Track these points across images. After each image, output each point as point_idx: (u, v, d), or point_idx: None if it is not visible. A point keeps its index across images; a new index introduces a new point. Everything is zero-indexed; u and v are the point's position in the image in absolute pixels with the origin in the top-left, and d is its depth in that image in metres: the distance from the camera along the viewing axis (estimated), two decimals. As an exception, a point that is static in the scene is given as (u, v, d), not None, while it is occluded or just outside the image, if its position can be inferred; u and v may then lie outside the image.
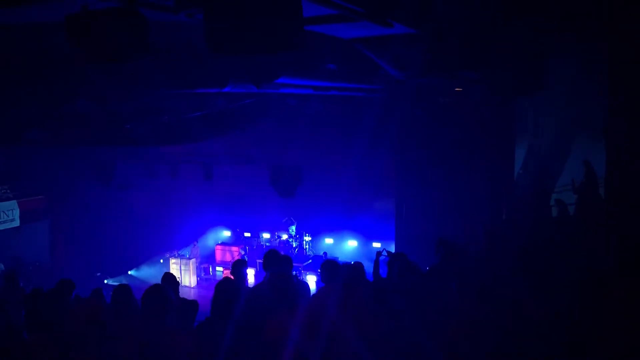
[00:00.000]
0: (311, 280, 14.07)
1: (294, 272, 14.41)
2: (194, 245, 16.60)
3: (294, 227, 16.19)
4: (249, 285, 6.89)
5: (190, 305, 6.14)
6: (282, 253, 13.05)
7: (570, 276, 5.09)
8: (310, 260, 15.56)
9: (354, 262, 5.51)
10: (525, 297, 4.64)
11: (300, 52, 3.54)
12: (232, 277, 6.12)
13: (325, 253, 15.66)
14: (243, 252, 16.70)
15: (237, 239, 17.54)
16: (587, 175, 10.25)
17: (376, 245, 15.32)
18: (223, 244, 17.52)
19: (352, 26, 5.30)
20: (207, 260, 17.26)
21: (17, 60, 6.78)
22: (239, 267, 6.10)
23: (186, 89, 8.45)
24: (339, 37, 6.29)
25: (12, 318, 6.15)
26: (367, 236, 15.61)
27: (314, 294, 5.98)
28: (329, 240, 16.37)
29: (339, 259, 15.14)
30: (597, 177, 10.19)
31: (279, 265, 5.70)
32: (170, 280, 6.34)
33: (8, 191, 15.17)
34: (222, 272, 16.00)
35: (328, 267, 5.52)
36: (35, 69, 6.96)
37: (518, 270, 5.29)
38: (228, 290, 4.56)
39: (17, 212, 15.29)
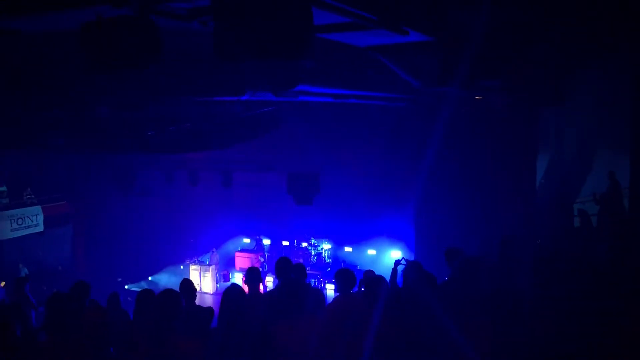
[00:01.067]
0: (330, 289, 14.01)
1: (312, 280, 14.47)
2: (213, 252, 16.67)
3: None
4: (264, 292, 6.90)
5: (206, 312, 6.16)
6: (301, 261, 13.03)
7: (593, 286, 4.99)
8: (329, 269, 15.51)
9: (375, 273, 5.46)
10: (538, 306, 4.57)
11: (317, 60, 3.53)
12: (245, 284, 6.12)
13: (343, 262, 15.59)
14: (262, 260, 16.71)
15: (257, 246, 17.57)
16: (611, 186, 10.09)
17: (395, 253, 15.22)
18: (243, 250, 17.57)
19: (367, 34, 5.30)
20: (227, 267, 17.31)
21: (39, 67, 6.92)
22: (252, 275, 6.10)
23: (204, 96, 8.53)
24: (355, 45, 6.29)
25: (28, 320, 6.26)
26: (385, 245, 15.50)
27: (329, 303, 5.95)
28: (348, 249, 16.30)
29: (357, 267, 15.12)
30: (621, 188, 10.04)
31: (292, 272, 5.69)
32: (187, 286, 6.36)
33: (33, 196, 15.45)
34: (242, 279, 16.03)
35: (343, 276, 5.49)
36: (57, 76, 7.09)
37: (533, 280, 5.21)
38: (233, 298, 4.57)
39: (41, 218, 15.55)
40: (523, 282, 5.30)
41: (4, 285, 10.46)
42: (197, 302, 6.46)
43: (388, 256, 15.35)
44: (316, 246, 16.18)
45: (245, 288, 6.26)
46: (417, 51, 6.51)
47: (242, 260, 17.20)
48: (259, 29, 3.27)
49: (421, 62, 6.96)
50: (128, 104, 8.28)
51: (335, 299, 5.63)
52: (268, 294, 5.88)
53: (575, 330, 4.16)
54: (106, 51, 3.60)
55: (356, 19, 4.54)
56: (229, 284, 16.29)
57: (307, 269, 9.59)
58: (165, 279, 16.99)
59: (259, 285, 6.13)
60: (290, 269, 5.82)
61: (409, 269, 5.97)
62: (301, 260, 14.69)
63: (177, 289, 6.08)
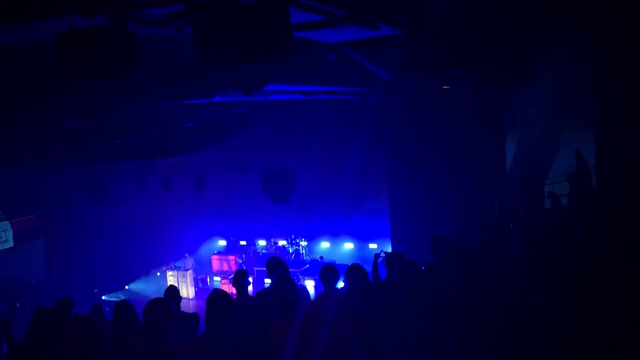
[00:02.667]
0: (309, 285, 14.05)
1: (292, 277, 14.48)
2: (186, 256, 16.54)
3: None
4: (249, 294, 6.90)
5: (192, 317, 6.14)
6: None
7: (567, 268, 5.12)
8: (308, 265, 15.55)
9: (354, 264, 5.51)
10: (526, 290, 4.67)
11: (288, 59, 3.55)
12: (233, 287, 6.12)
13: (321, 257, 15.65)
14: (240, 261, 16.65)
15: (232, 248, 17.49)
16: (579, 166, 10.32)
17: (372, 246, 15.34)
18: (219, 253, 17.46)
19: (337, 30, 5.32)
20: (204, 270, 17.19)
21: (4, 79, 6.75)
22: (241, 277, 6.10)
23: (175, 100, 8.45)
24: (325, 41, 6.31)
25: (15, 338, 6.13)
26: (363, 238, 15.62)
27: (314, 299, 5.99)
28: (325, 244, 16.36)
29: (336, 262, 15.19)
30: (588, 167, 10.27)
31: (281, 271, 5.72)
32: (172, 293, 6.34)
33: (0, 212, 15.08)
34: (220, 281, 15.94)
35: (327, 271, 5.54)
36: (23, 87, 6.93)
37: (521, 263, 5.33)
38: (220, 302, 4.57)
39: (10, 233, 15.20)
40: (510, 264, 5.43)
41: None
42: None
43: (366, 249, 15.47)
44: (294, 244, 16.20)
45: (232, 290, 6.27)
46: (387, 44, 6.56)
47: (219, 263, 17.12)
48: (237, 34, 3.27)
49: (391, 55, 7.02)
50: (98, 113, 8.14)
51: (319, 294, 5.68)
52: (260, 292, 5.89)
53: (564, 310, 4.28)
54: (83, 61, 3.55)
55: (328, 16, 4.57)
56: (209, 287, 16.27)
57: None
58: (143, 287, 16.79)
59: (247, 287, 6.14)
60: (283, 268, 5.86)
61: (393, 260, 6.04)
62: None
63: (157, 295, 6.07)
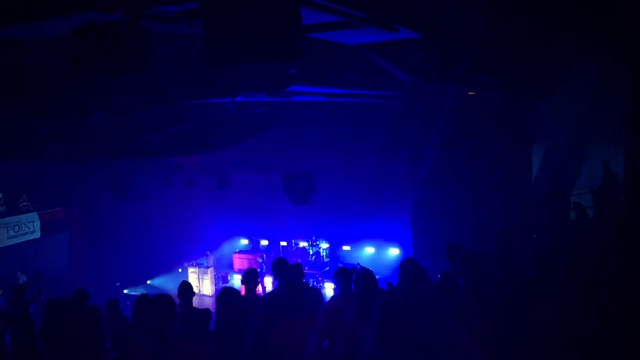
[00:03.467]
0: (329, 288, 14.02)
1: (311, 279, 14.48)
2: (207, 254, 16.67)
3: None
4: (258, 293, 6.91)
5: (203, 314, 6.16)
6: (299, 261, 13.07)
7: (589, 278, 5.00)
8: (328, 268, 15.53)
9: (363, 268, 5.47)
10: (542, 301, 4.58)
11: (309, 60, 3.54)
12: (242, 285, 6.13)
13: (341, 262, 15.61)
14: (260, 260, 16.73)
15: (254, 247, 17.58)
16: (606, 177, 10.11)
17: (393, 251, 15.26)
18: (241, 252, 17.58)
19: (356, 32, 5.29)
20: (225, 268, 17.32)
21: (33, 75, 6.91)
22: (250, 276, 6.10)
23: (198, 99, 8.53)
24: (346, 43, 6.28)
25: (29, 328, 6.27)
26: (383, 242, 15.54)
27: (327, 302, 5.97)
28: (346, 248, 16.33)
29: (358, 265, 15.13)
30: (615, 178, 10.06)
31: (289, 272, 5.70)
32: (185, 288, 6.38)
33: (28, 203, 15.43)
34: (240, 280, 16.02)
35: (340, 275, 5.53)
36: (52, 84, 7.08)
37: (537, 274, 5.22)
38: (229, 301, 4.58)
39: (37, 224, 15.55)
40: (524, 274, 5.33)
41: (2, 293, 10.44)
42: (196, 304, 6.47)
43: (387, 254, 15.38)
44: (315, 246, 16.19)
45: (243, 289, 6.28)
46: (409, 48, 6.51)
47: (240, 262, 17.24)
48: (247, 32, 3.28)
49: (413, 59, 6.96)
50: (121, 110, 8.27)
51: (332, 297, 5.65)
52: (266, 295, 5.89)
53: (579, 320, 4.17)
54: (95, 57, 3.60)
55: (345, 18, 4.55)
56: (227, 285, 16.36)
57: (306, 268, 9.62)
58: (164, 283, 16.99)
59: (256, 286, 6.14)
60: (286, 270, 5.83)
61: (405, 266, 5.98)
62: (299, 260, 14.71)
63: (176, 292, 6.12)
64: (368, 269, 5.30)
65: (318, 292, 6.10)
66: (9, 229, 14.84)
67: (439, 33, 6.01)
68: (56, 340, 4.69)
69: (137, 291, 15.94)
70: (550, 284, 4.88)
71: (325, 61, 7.40)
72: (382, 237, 15.41)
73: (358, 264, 6.44)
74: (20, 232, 15.08)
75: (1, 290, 10.52)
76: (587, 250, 6.71)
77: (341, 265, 13.46)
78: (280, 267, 5.87)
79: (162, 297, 4.12)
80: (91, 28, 3.62)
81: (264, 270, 15.37)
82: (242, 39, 3.28)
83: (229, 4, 3.25)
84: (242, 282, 6.10)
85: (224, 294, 4.88)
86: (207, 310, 6.30)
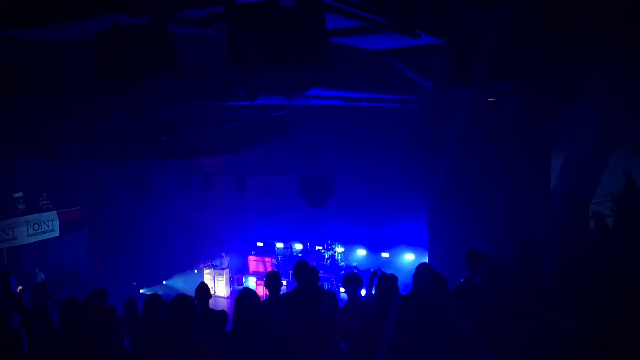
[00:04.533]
0: (343, 292, 13.98)
1: (326, 283, 14.47)
2: (223, 255, 16.75)
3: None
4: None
5: (219, 315, 6.20)
6: (314, 264, 13.04)
7: (610, 290, 4.95)
8: (343, 272, 15.51)
9: (385, 273, 5.46)
10: (562, 311, 4.53)
11: (329, 64, 3.56)
12: (266, 288, 6.14)
13: (356, 266, 15.57)
14: (276, 263, 16.76)
15: (269, 250, 17.62)
16: (627, 186, 9.99)
17: (409, 256, 15.19)
18: (256, 254, 17.62)
19: (379, 37, 5.30)
20: (240, 270, 17.38)
21: (56, 75, 7.01)
22: (272, 279, 6.11)
23: (218, 101, 8.58)
24: (367, 48, 6.30)
25: (50, 324, 6.33)
26: (399, 247, 15.49)
27: (341, 307, 5.98)
28: (361, 252, 16.30)
29: (372, 270, 15.08)
30: (637, 187, 9.93)
31: (308, 275, 5.72)
32: (202, 290, 6.43)
33: (48, 202, 15.63)
34: (255, 282, 16.08)
35: (349, 281, 5.55)
36: (74, 83, 7.18)
37: (556, 284, 5.16)
38: (247, 301, 4.60)
39: (56, 223, 15.72)
40: (544, 284, 5.27)
41: (21, 289, 10.57)
42: (210, 306, 6.51)
43: (403, 259, 15.32)
44: (330, 249, 16.18)
45: (260, 291, 6.29)
46: (430, 53, 6.50)
47: (255, 264, 17.29)
48: (272, 36, 3.30)
49: (434, 64, 6.94)
50: (142, 111, 8.35)
51: (346, 303, 5.66)
52: (283, 296, 5.90)
53: (597, 332, 4.12)
54: (121, 59, 3.65)
55: (367, 23, 4.56)
56: (241, 287, 16.42)
57: (320, 272, 9.61)
58: (180, 283, 17.11)
59: (279, 289, 6.15)
60: (307, 272, 5.85)
61: (420, 272, 5.96)
62: (314, 264, 14.71)
63: (192, 293, 6.16)
64: (391, 274, 5.30)
65: (333, 296, 6.12)
66: (29, 226, 15.03)
67: (459, 39, 6.00)
68: (74, 338, 4.75)
69: (153, 291, 16.06)
70: (570, 293, 4.83)
71: (344, 65, 7.41)
72: (398, 242, 15.36)
73: (379, 268, 6.40)
74: (40, 230, 15.27)
75: (21, 287, 10.65)
76: (607, 260, 6.64)
77: (355, 271, 13.45)
78: (301, 269, 5.89)
79: (184, 298, 4.15)
80: (118, 30, 3.67)
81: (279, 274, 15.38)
82: (266, 43, 3.31)
83: (254, 9, 3.28)
84: (265, 285, 6.10)
85: (243, 295, 4.91)
86: (223, 311, 6.35)
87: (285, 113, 11.81)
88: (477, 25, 5.71)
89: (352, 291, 5.45)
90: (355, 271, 14.58)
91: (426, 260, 12.60)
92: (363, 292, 5.62)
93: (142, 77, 3.72)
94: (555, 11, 6.13)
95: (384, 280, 5.22)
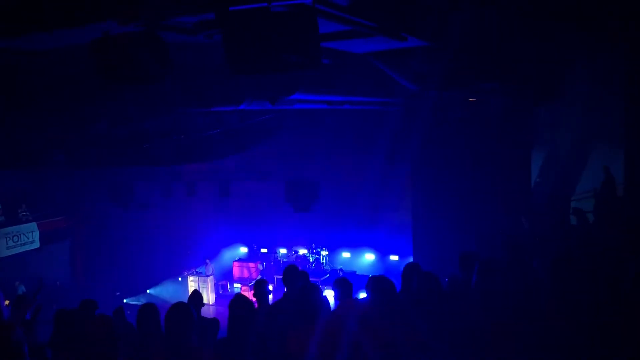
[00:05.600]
0: (330, 295, 14.00)
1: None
2: (207, 262, 16.66)
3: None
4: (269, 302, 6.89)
5: (212, 323, 6.18)
6: (301, 268, 13.04)
7: (594, 284, 5.04)
8: (328, 275, 15.53)
9: (380, 276, 5.48)
10: (553, 308, 4.60)
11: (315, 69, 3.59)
12: (254, 297, 6.12)
13: (341, 268, 15.61)
14: (261, 268, 16.71)
15: (253, 255, 17.57)
16: (606, 182, 10.19)
17: (394, 258, 15.28)
18: (240, 260, 17.56)
19: (365, 41, 5.35)
20: (225, 277, 17.29)
21: (38, 84, 6.92)
22: (261, 287, 6.10)
23: (203, 107, 8.55)
24: (353, 51, 6.34)
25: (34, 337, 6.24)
26: (384, 249, 15.57)
27: (333, 310, 5.98)
28: (346, 255, 16.34)
29: (356, 272, 15.15)
30: (616, 183, 10.13)
31: (298, 280, 5.71)
32: (196, 298, 6.40)
33: (27, 213, 15.39)
34: (240, 288, 16.02)
35: (340, 284, 5.57)
36: (55, 93, 7.09)
37: (547, 281, 5.23)
38: (242, 308, 4.58)
39: (37, 234, 15.50)
40: (538, 282, 5.34)
41: (9, 303, 10.38)
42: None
43: (387, 260, 15.40)
44: (315, 253, 16.20)
45: (252, 299, 6.28)
46: (413, 55, 6.57)
47: (240, 270, 17.22)
48: (267, 42, 3.32)
49: (418, 66, 7.02)
50: (128, 118, 8.29)
51: (338, 306, 5.67)
52: (278, 303, 5.89)
53: (592, 330, 4.20)
54: (115, 67, 3.63)
55: (356, 27, 4.60)
56: (229, 293, 16.35)
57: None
58: (164, 292, 16.94)
59: (267, 297, 6.13)
60: (298, 277, 5.85)
61: (409, 271, 5.99)
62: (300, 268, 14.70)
63: (177, 300, 6.12)
64: (382, 275, 5.31)
65: (326, 301, 6.12)
66: (8, 239, 14.79)
67: (444, 41, 6.08)
68: (68, 350, 4.69)
69: (137, 300, 15.90)
70: (563, 290, 4.90)
71: (329, 69, 7.45)
72: (383, 244, 15.44)
73: (341, 269, 6.46)
74: (19, 242, 15.03)
75: (7, 301, 10.46)
76: (590, 257, 6.76)
77: (342, 274, 13.49)
78: (292, 275, 5.88)
79: (181, 306, 4.13)
80: (109, 39, 3.66)
81: (267, 281, 15.34)
82: (261, 49, 3.32)
83: (248, 16, 3.29)
84: (253, 294, 6.08)
85: (236, 301, 4.89)
86: (215, 319, 6.32)
87: (268, 118, 11.82)
88: (461, 27, 5.79)
89: (342, 294, 5.46)
90: (342, 274, 14.63)
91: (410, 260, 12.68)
92: (363, 294, 5.61)
93: (136, 84, 3.71)
94: (537, 11, 6.25)
95: (377, 281, 5.24)
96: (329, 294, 14.11)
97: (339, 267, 15.84)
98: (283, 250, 16.95)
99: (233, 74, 3.37)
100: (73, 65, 5.62)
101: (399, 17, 4.87)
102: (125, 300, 16.22)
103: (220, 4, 3.28)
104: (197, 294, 6.35)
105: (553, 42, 7.66)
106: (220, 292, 16.76)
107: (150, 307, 5.96)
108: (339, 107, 10.06)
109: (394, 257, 15.29)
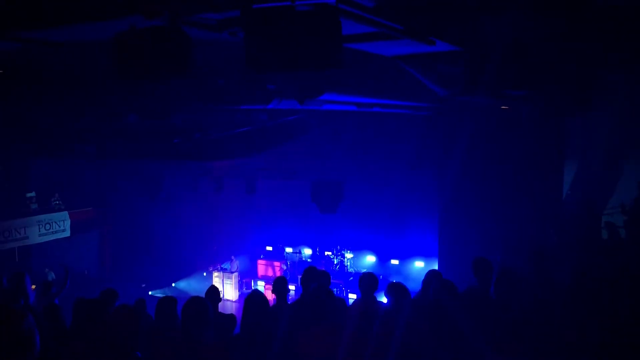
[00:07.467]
0: (352, 299, 13.95)
1: (334, 289, 14.43)
2: (232, 259, 16.75)
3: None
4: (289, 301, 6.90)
5: (228, 319, 6.20)
6: (323, 269, 13.07)
7: (623, 300, 4.91)
8: (352, 278, 15.47)
9: (397, 283, 5.44)
10: (578, 322, 4.50)
11: (343, 69, 3.56)
12: (272, 293, 6.13)
13: (387, 277, 15.49)
14: (285, 267, 16.73)
15: (278, 254, 17.61)
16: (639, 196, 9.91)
17: (418, 264, 15.13)
18: (265, 258, 17.62)
19: (394, 44, 5.31)
20: (249, 274, 17.37)
21: (70, 76, 7.07)
22: (280, 285, 6.11)
23: (231, 105, 8.61)
24: (381, 54, 6.30)
25: (60, 322, 6.35)
26: (408, 255, 15.43)
27: (350, 305, 5.96)
28: (370, 258, 16.25)
29: (380, 277, 15.02)
30: (650, 199, 9.84)
31: (317, 281, 5.70)
32: (212, 293, 6.43)
33: (60, 202, 15.73)
34: (264, 286, 16.07)
35: (366, 279, 5.54)
36: (88, 85, 7.24)
37: (572, 294, 5.12)
38: (256, 304, 4.59)
39: (68, 223, 15.81)
40: (558, 296, 5.23)
41: (35, 289, 10.61)
42: (219, 309, 6.51)
43: (412, 266, 15.26)
44: (339, 255, 16.15)
45: (268, 295, 6.28)
46: (444, 60, 6.50)
47: (264, 268, 17.28)
48: (288, 41, 3.31)
49: (447, 71, 6.94)
50: (155, 112, 8.39)
51: (355, 301, 5.63)
52: (294, 303, 5.89)
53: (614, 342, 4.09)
54: (138, 61, 3.68)
55: (382, 29, 4.57)
56: (256, 288, 16.39)
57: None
58: (188, 286, 17.12)
59: (286, 295, 6.13)
60: (317, 278, 5.84)
61: (430, 278, 5.94)
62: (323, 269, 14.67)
63: (201, 295, 6.16)
64: (399, 283, 5.28)
65: (343, 303, 6.09)
66: (41, 226, 15.13)
67: (474, 46, 5.99)
68: (87, 339, 4.75)
69: (163, 293, 16.09)
70: (584, 306, 4.79)
71: (358, 70, 7.42)
72: (408, 249, 15.31)
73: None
74: (51, 230, 15.37)
75: (34, 286, 10.69)
76: (620, 273, 6.57)
77: (394, 281, 13.37)
78: (310, 276, 5.88)
79: (198, 300, 4.16)
80: (135, 32, 3.70)
81: (287, 278, 15.38)
82: (282, 48, 3.32)
83: (270, 14, 3.30)
84: (272, 290, 6.09)
85: (252, 297, 4.90)
86: (232, 315, 6.33)
87: (296, 118, 11.85)
88: (491, 32, 5.70)
89: (367, 290, 5.44)
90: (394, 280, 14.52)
91: (436, 266, 12.54)
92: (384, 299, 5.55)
93: (158, 79, 3.75)
94: (570, 20, 6.10)
95: (394, 287, 5.21)
96: (353, 297, 14.08)
97: (363, 270, 15.75)
98: (308, 251, 16.94)
99: (252, 71, 3.37)
100: (103, 57, 5.72)
101: (427, 20, 4.82)
102: (150, 293, 16.44)
103: (244, 1, 3.30)
104: (214, 289, 6.38)
105: (589, 52, 7.48)
106: (244, 289, 16.84)
107: (169, 300, 6.03)
108: (368, 109, 10.02)
109: (418, 263, 15.14)
